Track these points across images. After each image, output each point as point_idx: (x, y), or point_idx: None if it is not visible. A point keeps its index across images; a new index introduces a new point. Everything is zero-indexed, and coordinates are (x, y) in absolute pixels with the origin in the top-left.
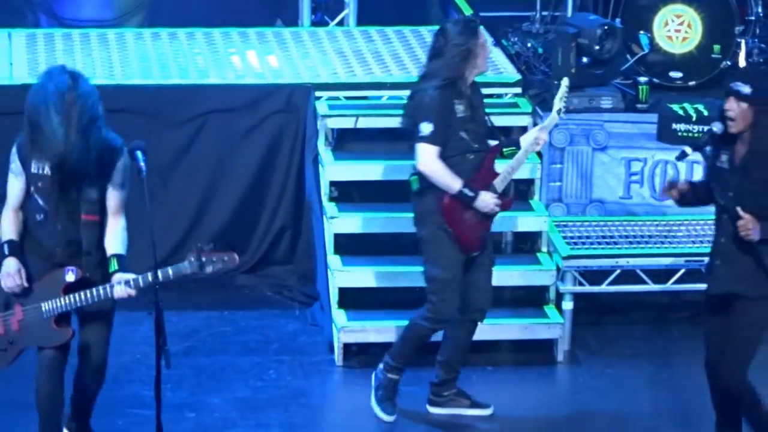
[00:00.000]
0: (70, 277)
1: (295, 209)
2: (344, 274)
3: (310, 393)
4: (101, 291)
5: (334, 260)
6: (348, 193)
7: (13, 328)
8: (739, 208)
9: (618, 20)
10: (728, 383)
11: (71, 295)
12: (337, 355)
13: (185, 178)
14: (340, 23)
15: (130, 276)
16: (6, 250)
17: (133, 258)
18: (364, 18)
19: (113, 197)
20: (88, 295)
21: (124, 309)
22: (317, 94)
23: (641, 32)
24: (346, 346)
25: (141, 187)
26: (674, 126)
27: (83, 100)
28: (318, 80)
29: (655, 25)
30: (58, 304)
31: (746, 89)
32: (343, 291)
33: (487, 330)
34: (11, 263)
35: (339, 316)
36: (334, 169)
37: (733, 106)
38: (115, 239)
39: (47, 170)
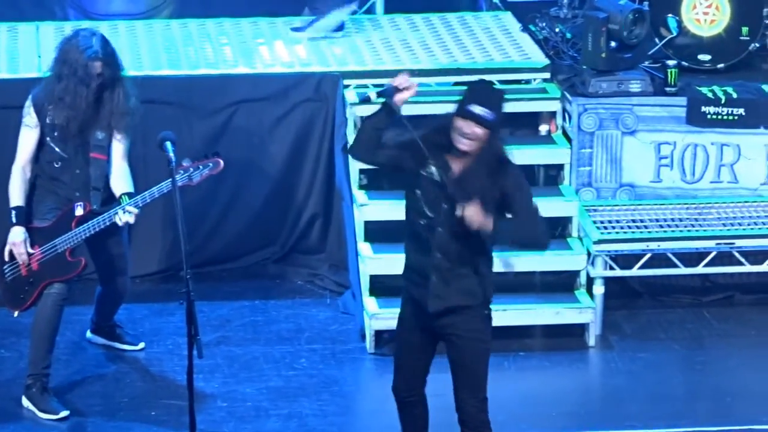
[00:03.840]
0: (79, 210)
1: (326, 198)
2: (375, 262)
3: (342, 381)
4: (106, 218)
5: (364, 248)
6: (378, 181)
7: (33, 268)
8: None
9: (646, 4)
10: (471, 410)
11: (81, 227)
12: (369, 343)
13: None
14: (368, 12)
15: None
16: (14, 218)
17: (164, 247)
18: (392, 6)
19: (121, 142)
20: (96, 223)
21: (156, 300)
22: (346, 82)
23: (669, 15)
24: (378, 334)
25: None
26: (703, 109)
27: (109, 64)
28: (346, 68)
29: (683, 8)
30: (71, 236)
31: (489, 116)
32: (374, 278)
33: (519, 315)
34: (18, 233)
35: (370, 303)
36: None
37: (473, 131)
38: (123, 180)
39: (63, 119)
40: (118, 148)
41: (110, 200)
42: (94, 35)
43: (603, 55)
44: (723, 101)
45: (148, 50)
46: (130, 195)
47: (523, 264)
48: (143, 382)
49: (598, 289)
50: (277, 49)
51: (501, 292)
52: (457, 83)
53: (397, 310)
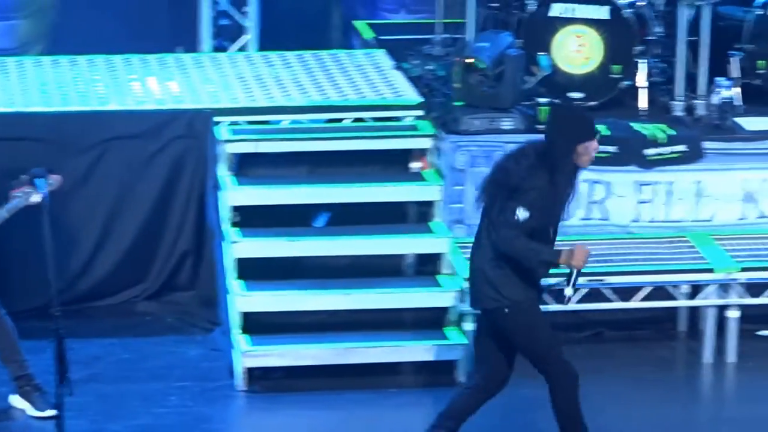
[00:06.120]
0: None
1: (197, 235)
2: (246, 299)
3: (212, 419)
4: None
5: (236, 285)
6: (250, 218)
7: None
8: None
9: (519, 41)
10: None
11: None
12: (240, 380)
13: (86, 205)
14: (241, 49)
15: None
16: None
17: (35, 284)
18: (266, 43)
19: None
20: None
21: (26, 338)
22: (219, 119)
23: (541, 53)
24: (249, 371)
25: (41, 214)
26: None
27: None
28: (219, 105)
29: (555, 45)
30: None
31: None
32: (245, 315)
33: (390, 352)
34: None
35: (241, 340)
36: (235, 194)
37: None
38: None
39: None
40: None
41: None
42: None
43: (458, 85)
44: None
45: (20, 87)
46: None
47: (393, 301)
48: (12, 420)
49: (469, 325)
50: (149, 86)
51: (370, 329)
52: (330, 120)
53: (272, 348)
